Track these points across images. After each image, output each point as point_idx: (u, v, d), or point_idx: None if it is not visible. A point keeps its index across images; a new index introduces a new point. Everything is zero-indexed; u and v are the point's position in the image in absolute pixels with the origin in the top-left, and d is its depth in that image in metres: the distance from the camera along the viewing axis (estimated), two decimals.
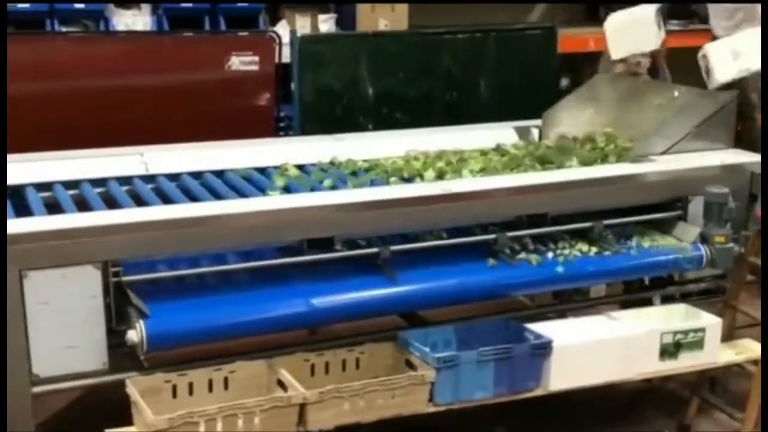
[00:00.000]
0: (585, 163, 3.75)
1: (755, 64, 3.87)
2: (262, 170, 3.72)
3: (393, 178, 3.57)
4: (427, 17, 6.04)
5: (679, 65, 4.37)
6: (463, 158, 3.79)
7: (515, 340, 3.16)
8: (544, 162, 3.77)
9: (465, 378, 3.02)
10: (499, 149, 4.01)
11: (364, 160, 3.81)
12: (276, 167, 3.72)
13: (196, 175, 3.68)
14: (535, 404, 3.20)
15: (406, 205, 3.30)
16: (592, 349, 3.21)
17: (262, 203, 3.25)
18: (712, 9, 4.85)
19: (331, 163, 3.79)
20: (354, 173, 3.68)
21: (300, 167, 3.74)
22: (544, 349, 3.12)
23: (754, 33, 3.93)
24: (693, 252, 3.60)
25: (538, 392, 3.15)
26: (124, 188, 3.53)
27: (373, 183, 3.54)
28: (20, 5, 5.06)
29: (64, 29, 5.11)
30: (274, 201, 3.29)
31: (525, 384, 3.13)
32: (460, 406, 3.05)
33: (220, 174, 3.68)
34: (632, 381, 3.39)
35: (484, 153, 3.95)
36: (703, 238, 3.60)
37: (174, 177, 3.67)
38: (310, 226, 3.19)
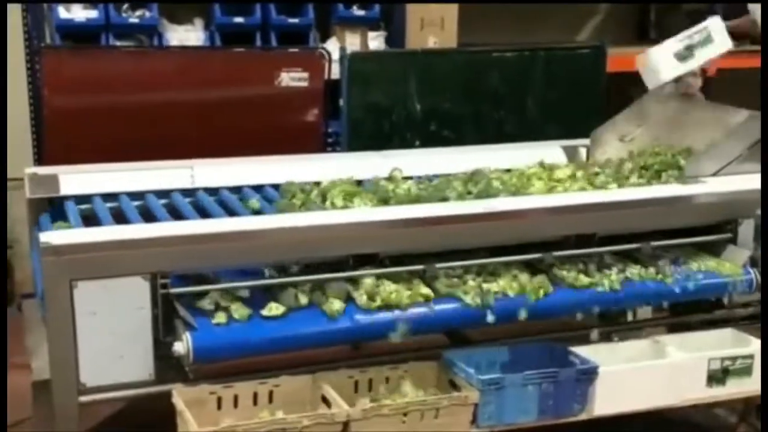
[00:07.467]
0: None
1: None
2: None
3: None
4: (476, 35, 6.03)
5: (732, 86, 4.31)
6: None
7: (560, 363, 3.13)
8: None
9: (509, 401, 2.99)
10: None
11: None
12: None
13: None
14: (579, 429, 3.16)
15: (449, 222, 3.28)
16: (638, 374, 3.18)
17: (313, 218, 3.26)
18: None
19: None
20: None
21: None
22: (590, 374, 3.09)
23: None
24: (743, 276, 3.54)
25: (583, 417, 3.12)
26: (174, 201, 3.59)
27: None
28: (76, 19, 5.17)
29: (118, 43, 5.20)
30: (323, 216, 3.31)
31: (569, 408, 3.09)
32: (502, 429, 3.03)
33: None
34: (679, 407, 3.34)
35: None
36: (754, 262, 3.54)
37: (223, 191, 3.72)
38: (354, 241, 3.19)
